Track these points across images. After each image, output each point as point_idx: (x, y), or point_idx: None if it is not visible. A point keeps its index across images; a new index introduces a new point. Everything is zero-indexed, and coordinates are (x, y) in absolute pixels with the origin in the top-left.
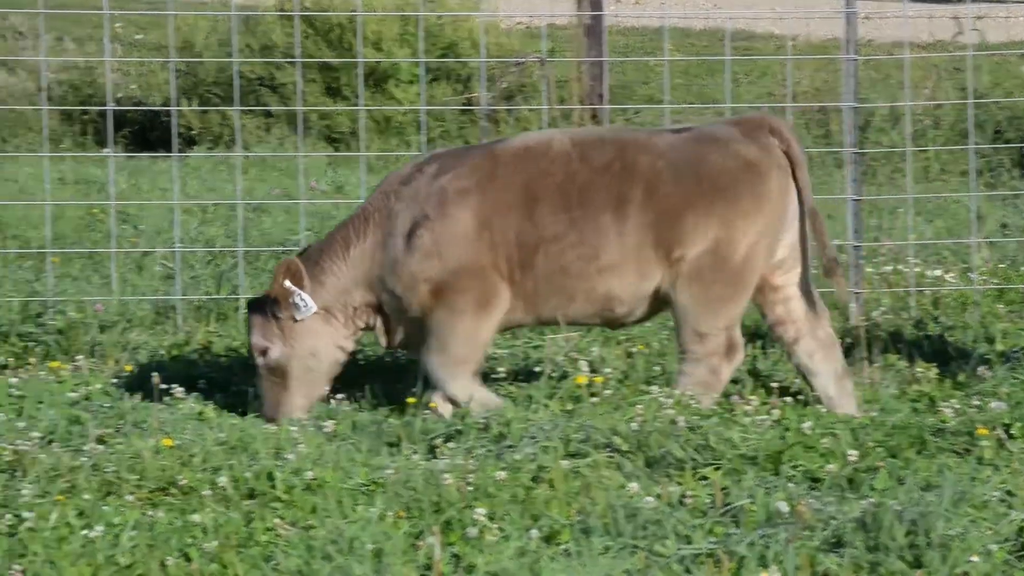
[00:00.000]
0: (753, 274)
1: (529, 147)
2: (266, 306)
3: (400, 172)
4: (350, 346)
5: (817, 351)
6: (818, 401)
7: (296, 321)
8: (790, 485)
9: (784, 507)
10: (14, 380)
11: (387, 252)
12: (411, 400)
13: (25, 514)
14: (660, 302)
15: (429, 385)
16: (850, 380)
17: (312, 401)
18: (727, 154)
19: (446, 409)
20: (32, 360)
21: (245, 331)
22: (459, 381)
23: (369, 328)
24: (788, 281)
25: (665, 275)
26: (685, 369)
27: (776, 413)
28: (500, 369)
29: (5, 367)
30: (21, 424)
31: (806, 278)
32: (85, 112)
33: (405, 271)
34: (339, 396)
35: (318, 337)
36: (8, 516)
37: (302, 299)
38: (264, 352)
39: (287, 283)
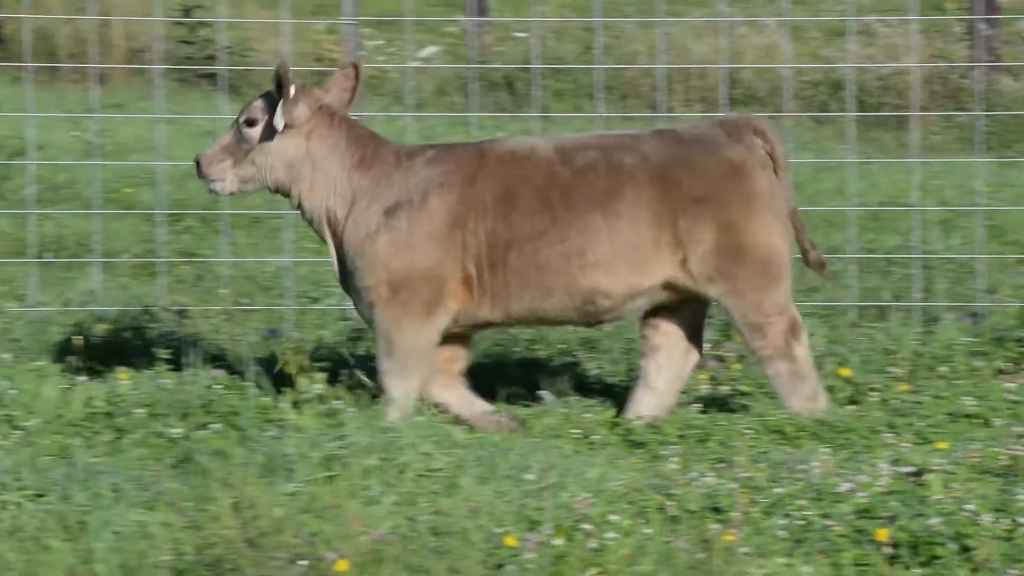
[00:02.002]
0: (779, 254)
1: (514, 151)
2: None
3: (407, 145)
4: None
5: (666, 374)
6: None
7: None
8: None
9: None
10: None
11: (366, 210)
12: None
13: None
14: (657, 299)
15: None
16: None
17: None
18: (714, 157)
19: (391, 412)
20: None
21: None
22: (403, 384)
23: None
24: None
25: (677, 277)
26: (769, 371)
27: None
28: None
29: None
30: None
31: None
32: None
33: (373, 248)
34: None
35: (298, 154)
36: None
37: (278, 110)
38: (250, 123)
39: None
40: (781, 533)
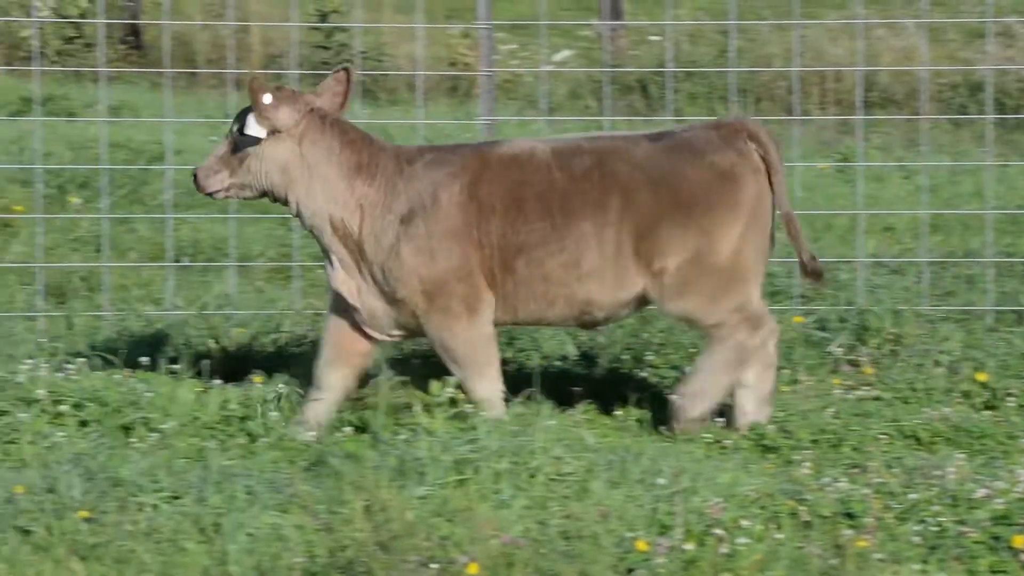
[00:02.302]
0: (746, 263)
1: (515, 153)
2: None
3: (402, 147)
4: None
5: (756, 368)
6: None
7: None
8: None
9: None
10: None
11: (380, 221)
12: None
13: None
14: (642, 304)
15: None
16: (770, 402)
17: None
18: (702, 165)
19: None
20: None
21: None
22: (483, 382)
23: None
24: None
25: (649, 286)
26: (712, 346)
27: None
28: None
29: None
30: None
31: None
32: None
33: (399, 261)
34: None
35: (294, 161)
36: None
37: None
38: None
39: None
40: (915, 539)
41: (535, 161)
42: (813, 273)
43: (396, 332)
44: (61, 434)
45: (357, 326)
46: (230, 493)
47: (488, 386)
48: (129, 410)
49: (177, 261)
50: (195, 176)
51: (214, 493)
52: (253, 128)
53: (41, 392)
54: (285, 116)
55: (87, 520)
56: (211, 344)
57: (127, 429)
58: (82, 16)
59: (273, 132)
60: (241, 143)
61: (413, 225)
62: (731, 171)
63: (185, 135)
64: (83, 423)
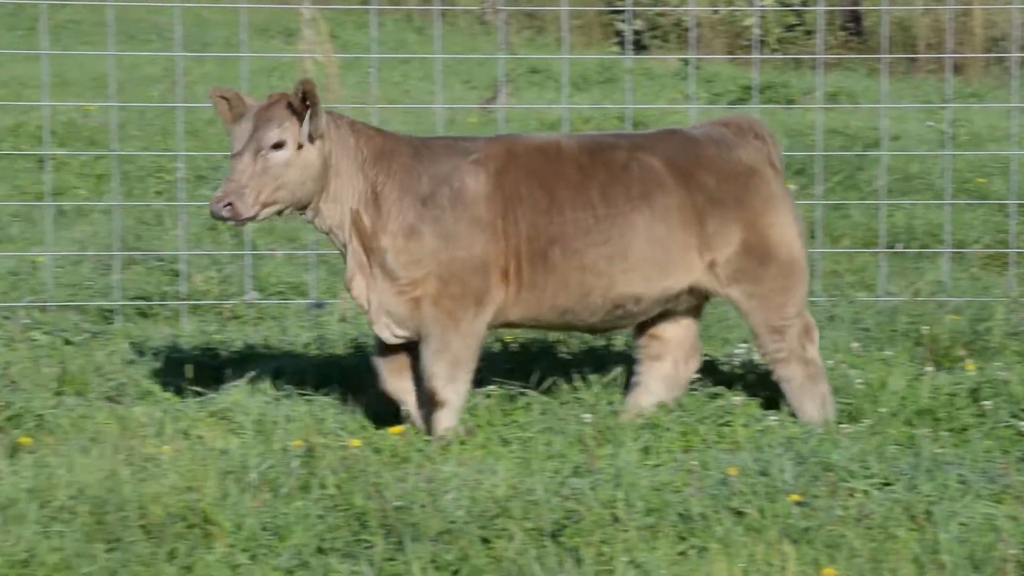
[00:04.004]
0: (801, 255)
1: (540, 145)
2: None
3: (413, 137)
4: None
5: (666, 380)
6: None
7: (307, 139)
8: None
9: None
10: None
11: (398, 203)
12: None
13: None
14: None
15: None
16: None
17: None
18: (730, 159)
19: (442, 418)
20: None
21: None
22: (457, 385)
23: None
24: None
25: (702, 280)
26: (783, 374)
27: None
28: None
29: None
30: None
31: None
32: None
33: (420, 242)
34: None
35: (323, 164)
36: None
37: (306, 126)
38: (278, 145)
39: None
40: None
41: (562, 154)
42: None
43: (401, 332)
44: (773, 418)
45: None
46: (942, 481)
47: (458, 391)
48: (838, 396)
49: (890, 247)
50: (224, 206)
51: (925, 481)
52: (308, 133)
53: (753, 376)
54: (323, 120)
55: (799, 504)
56: (924, 331)
57: (839, 415)
58: (803, 3)
59: (311, 140)
60: (275, 160)
61: (436, 207)
62: (755, 166)
63: (902, 121)
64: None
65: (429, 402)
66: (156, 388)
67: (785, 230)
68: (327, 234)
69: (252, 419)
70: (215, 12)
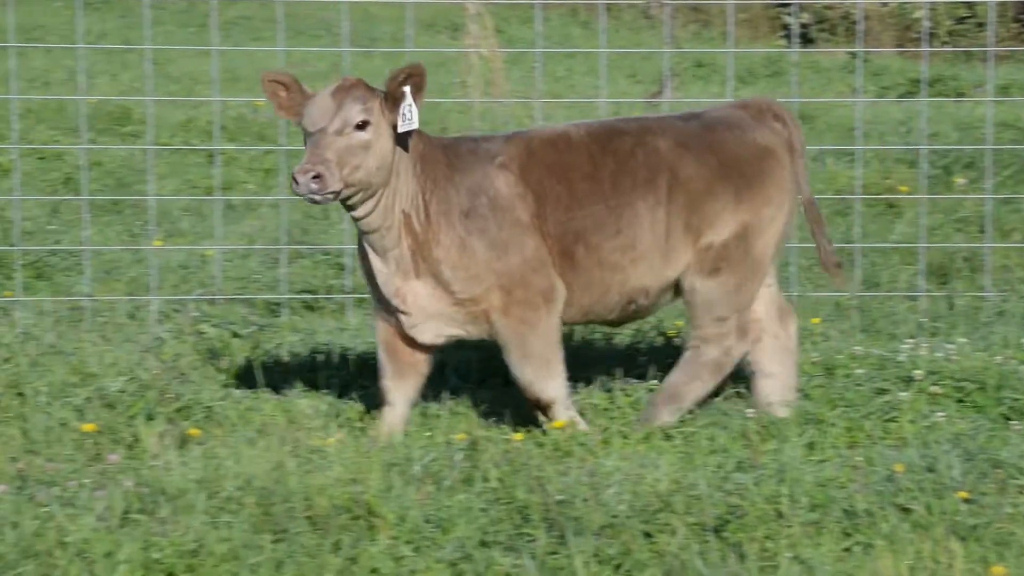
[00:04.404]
0: (770, 259)
1: (552, 138)
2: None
3: (439, 138)
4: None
5: (776, 354)
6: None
7: (394, 127)
8: None
9: None
10: None
11: (444, 216)
12: None
13: None
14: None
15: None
16: (794, 391)
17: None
18: (744, 141)
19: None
20: None
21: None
22: (555, 381)
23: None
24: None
25: (692, 263)
26: (699, 348)
27: None
28: None
29: None
30: None
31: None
32: None
33: (473, 257)
34: None
35: (393, 155)
36: None
37: (411, 111)
38: (362, 125)
39: (407, 88)
40: None
41: (573, 144)
42: (832, 265)
43: (444, 336)
44: (940, 414)
45: (405, 336)
46: None
47: (559, 385)
48: (1007, 392)
49: None
50: (313, 177)
51: None
52: (411, 122)
53: (919, 372)
54: (415, 109)
55: (966, 501)
56: None
57: (1007, 411)
58: None
59: (391, 125)
60: (360, 142)
61: (479, 218)
62: (771, 149)
63: None
64: (961, 403)
65: (535, 407)
66: (321, 381)
67: (776, 224)
68: (368, 234)
69: (415, 412)
70: (383, 8)
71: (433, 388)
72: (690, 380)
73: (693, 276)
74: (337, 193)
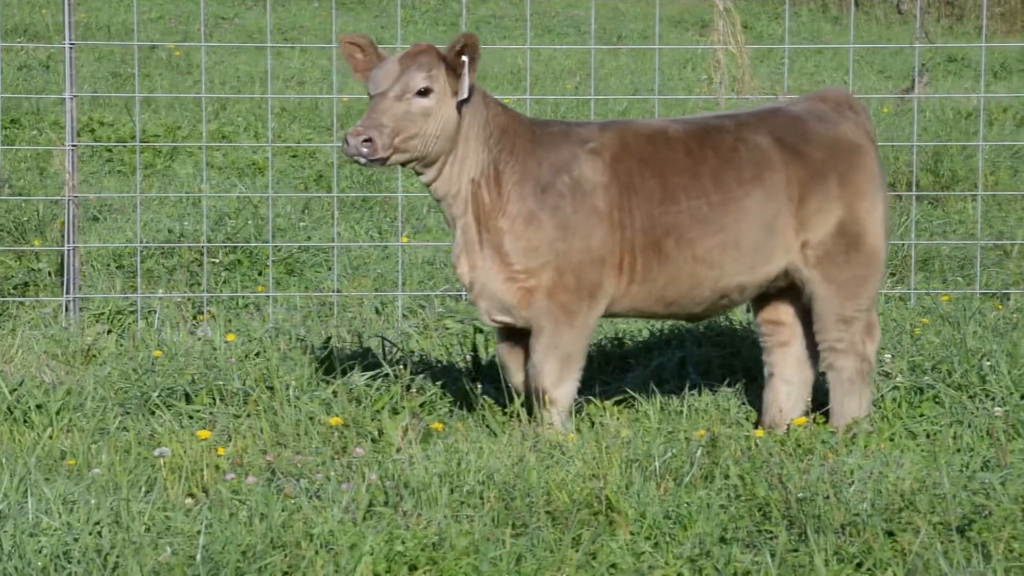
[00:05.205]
0: (885, 248)
1: (650, 132)
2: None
3: (532, 118)
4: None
5: (800, 362)
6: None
7: (453, 94)
8: None
9: None
10: None
11: (519, 188)
12: None
13: None
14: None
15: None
16: (806, 402)
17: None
18: (834, 134)
19: (553, 419)
20: None
21: (414, 64)
22: (567, 385)
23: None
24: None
25: (794, 261)
26: (836, 364)
27: None
28: None
29: None
30: None
31: None
32: None
33: (540, 231)
34: None
35: (459, 124)
36: None
37: (466, 80)
38: (424, 92)
39: (464, 58)
40: None
41: (670, 140)
42: None
43: (499, 317)
44: None
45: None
46: None
47: (568, 392)
48: None
49: None
50: (364, 140)
51: None
52: (467, 89)
53: None
54: (470, 79)
55: None
56: None
57: None
58: None
59: (454, 94)
60: (419, 108)
61: (556, 195)
62: (857, 141)
63: None
64: None
65: (537, 398)
66: None
67: (876, 216)
68: (438, 201)
69: (656, 408)
70: (631, 5)
71: (674, 384)
72: (850, 401)
73: (802, 276)
74: (385, 160)
